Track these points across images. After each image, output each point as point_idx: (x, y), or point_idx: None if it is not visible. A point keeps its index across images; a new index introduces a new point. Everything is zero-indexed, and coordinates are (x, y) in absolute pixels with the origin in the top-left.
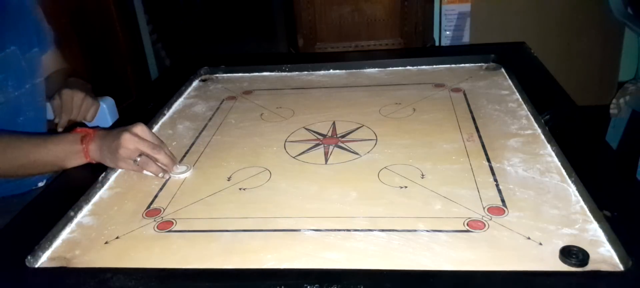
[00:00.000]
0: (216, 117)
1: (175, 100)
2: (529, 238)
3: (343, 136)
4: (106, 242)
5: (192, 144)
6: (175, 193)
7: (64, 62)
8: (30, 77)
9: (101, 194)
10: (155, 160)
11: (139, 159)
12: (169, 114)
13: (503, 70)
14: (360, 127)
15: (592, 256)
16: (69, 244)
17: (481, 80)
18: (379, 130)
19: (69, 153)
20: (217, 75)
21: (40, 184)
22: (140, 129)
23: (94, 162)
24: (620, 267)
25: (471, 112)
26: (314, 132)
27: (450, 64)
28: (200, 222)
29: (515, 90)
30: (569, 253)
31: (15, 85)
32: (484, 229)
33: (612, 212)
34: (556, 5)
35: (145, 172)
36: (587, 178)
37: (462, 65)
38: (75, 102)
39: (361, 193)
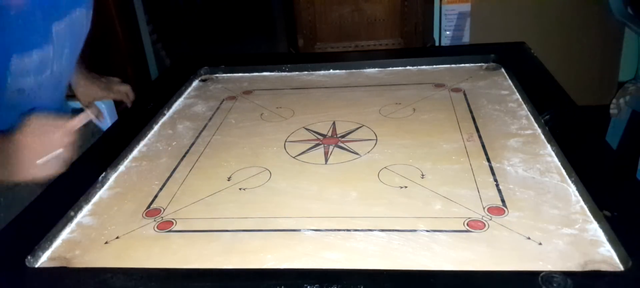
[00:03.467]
0: (216, 117)
1: (175, 100)
2: (529, 238)
3: (343, 136)
4: (106, 242)
5: (192, 144)
6: (175, 193)
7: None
8: (78, 40)
9: (101, 194)
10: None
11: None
12: (169, 113)
13: (503, 70)
14: (360, 127)
15: (592, 256)
16: (69, 244)
17: (481, 80)
18: (379, 130)
19: None
20: (217, 75)
21: None
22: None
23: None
24: (620, 267)
25: (471, 112)
26: (314, 132)
27: (450, 64)
28: (200, 222)
29: (515, 90)
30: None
31: (70, 51)
32: (484, 229)
33: (612, 212)
34: (556, 5)
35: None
36: (587, 178)
37: (462, 65)
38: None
39: (361, 193)
